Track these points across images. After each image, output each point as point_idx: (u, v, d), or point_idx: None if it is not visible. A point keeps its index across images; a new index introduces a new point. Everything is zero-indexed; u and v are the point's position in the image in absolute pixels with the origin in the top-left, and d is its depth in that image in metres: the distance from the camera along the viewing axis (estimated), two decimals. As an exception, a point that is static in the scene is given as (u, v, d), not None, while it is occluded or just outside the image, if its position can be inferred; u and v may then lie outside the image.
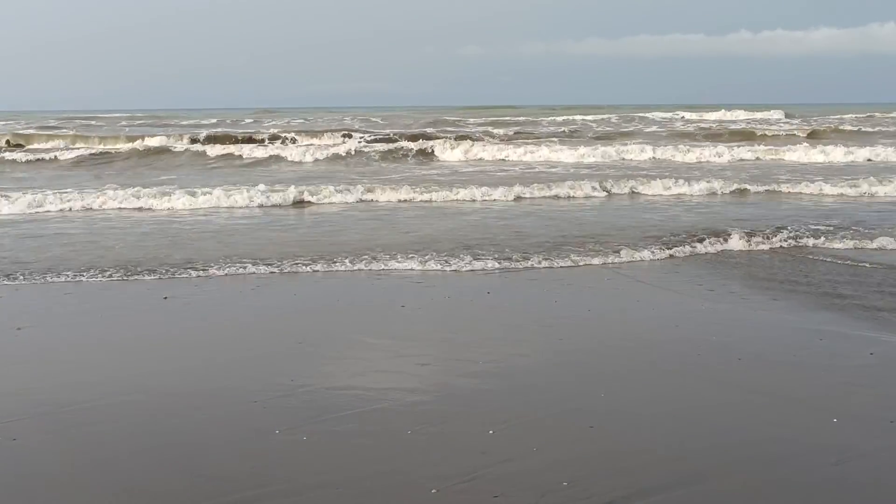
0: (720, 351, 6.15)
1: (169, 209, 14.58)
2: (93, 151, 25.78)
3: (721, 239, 10.59)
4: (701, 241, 10.46)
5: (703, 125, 38.56)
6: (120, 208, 14.69)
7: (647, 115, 50.27)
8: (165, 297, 7.91)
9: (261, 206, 14.95)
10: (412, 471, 4.21)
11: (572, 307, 7.62)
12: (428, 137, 29.33)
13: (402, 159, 25.03)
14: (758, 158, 24.64)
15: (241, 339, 6.62)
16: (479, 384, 5.44)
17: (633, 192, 16.71)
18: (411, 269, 9.12)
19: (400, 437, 4.58)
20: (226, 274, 8.95)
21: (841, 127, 36.20)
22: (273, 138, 29.97)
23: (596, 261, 9.53)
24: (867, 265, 9.24)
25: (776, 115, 48.99)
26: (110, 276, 8.83)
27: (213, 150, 25.50)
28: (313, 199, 15.48)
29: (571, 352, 6.21)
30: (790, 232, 11.09)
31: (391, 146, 26.63)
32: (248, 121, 43.62)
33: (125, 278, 8.78)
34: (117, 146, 27.57)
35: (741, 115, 49.52)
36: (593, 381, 5.53)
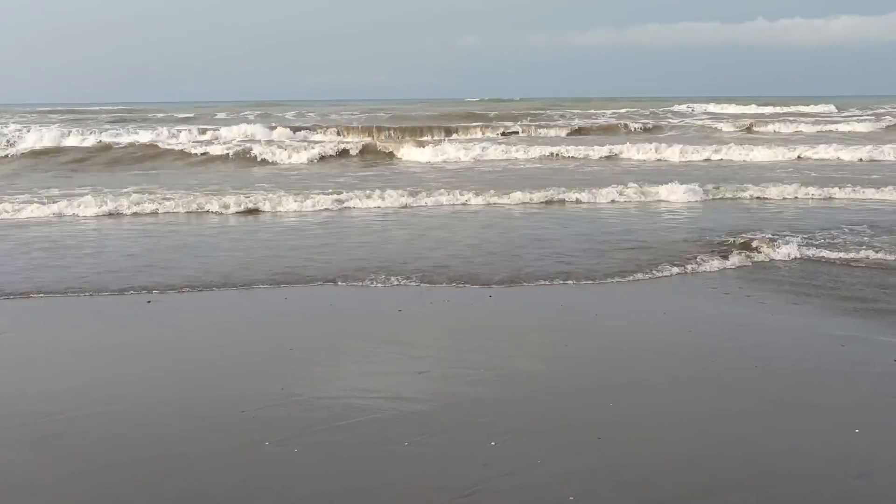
0: (735, 357, 6.17)
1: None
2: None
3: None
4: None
5: (782, 121, 37.56)
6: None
7: (676, 108, 50.02)
8: (149, 302, 7.93)
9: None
10: (410, 484, 4.22)
11: (578, 311, 7.63)
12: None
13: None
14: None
15: (228, 346, 6.64)
16: (480, 393, 5.46)
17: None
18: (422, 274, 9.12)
19: (397, 448, 4.60)
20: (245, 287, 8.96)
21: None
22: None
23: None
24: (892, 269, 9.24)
25: (824, 108, 48.62)
26: (92, 280, 8.85)
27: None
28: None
29: (578, 359, 6.22)
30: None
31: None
32: (248, 114, 43.50)
33: (114, 293, 8.79)
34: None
35: (794, 109, 49.12)
36: (601, 389, 5.54)
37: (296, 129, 31.44)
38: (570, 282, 8.61)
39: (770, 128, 35.22)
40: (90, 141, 27.02)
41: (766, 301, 7.88)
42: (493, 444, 4.64)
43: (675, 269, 9.19)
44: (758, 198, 15.87)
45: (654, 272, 9.07)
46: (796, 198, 15.85)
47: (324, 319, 7.40)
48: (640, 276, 8.92)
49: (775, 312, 7.49)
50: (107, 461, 4.49)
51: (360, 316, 7.46)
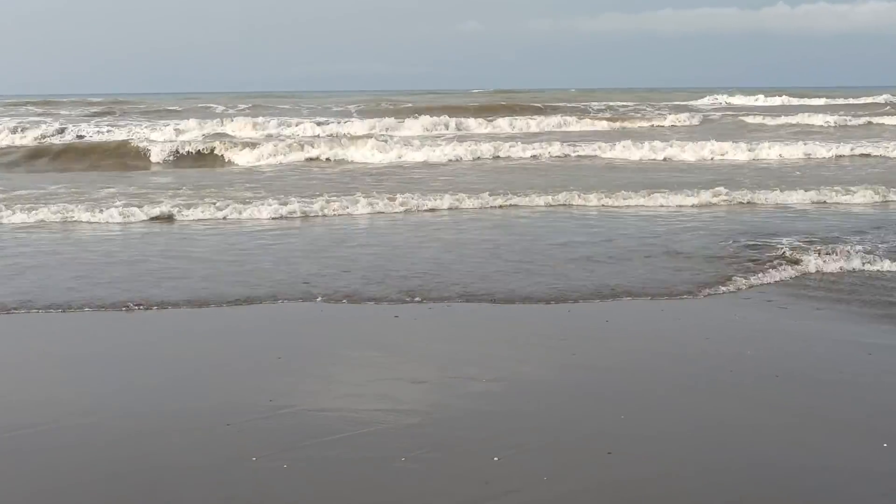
0: (755, 367, 6.16)
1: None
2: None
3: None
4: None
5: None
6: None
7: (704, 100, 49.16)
8: (125, 308, 7.91)
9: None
10: (407, 502, 4.21)
11: (587, 317, 7.63)
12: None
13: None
14: None
15: (213, 354, 6.63)
16: (482, 405, 5.45)
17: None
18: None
19: (393, 464, 4.59)
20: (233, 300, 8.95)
21: None
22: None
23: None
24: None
25: (869, 99, 48.14)
26: (64, 282, 8.84)
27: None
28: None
29: (586, 368, 6.22)
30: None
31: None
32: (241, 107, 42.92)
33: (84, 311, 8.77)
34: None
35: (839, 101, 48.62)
36: (611, 401, 5.54)
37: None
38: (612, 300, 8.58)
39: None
40: (69, 136, 26.92)
41: (787, 306, 7.88)
42: (495, 459, 4.63)
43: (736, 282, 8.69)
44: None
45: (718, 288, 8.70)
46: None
47: (314, 326, 7.38)
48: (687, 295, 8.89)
49: (797, 318, 7.48)
50: (82, 477, 4.48)
51: (353, 322, 7.45)
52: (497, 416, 5.26)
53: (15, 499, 4.29)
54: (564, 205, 14.55)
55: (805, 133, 29.17)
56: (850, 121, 34.11)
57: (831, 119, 34.13)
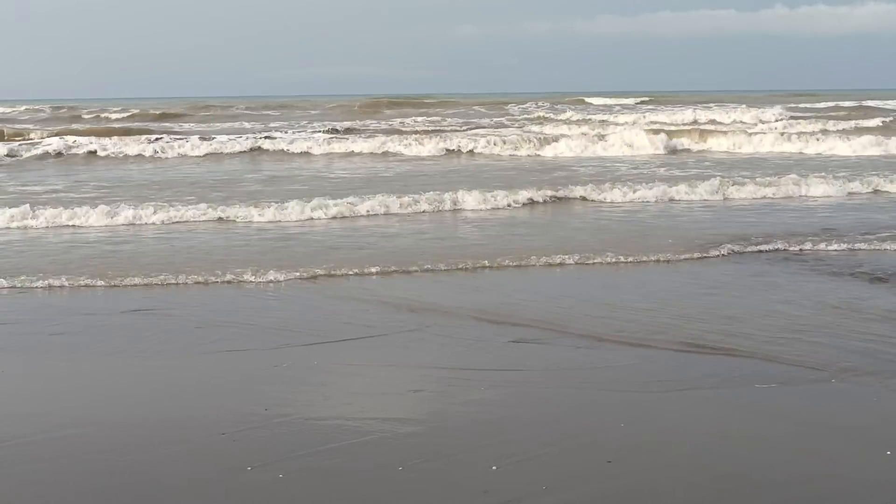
0: (757, 374, 6.19)
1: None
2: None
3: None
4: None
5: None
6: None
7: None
8: (121, 312, 7.92)
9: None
10: (404, 513, 4.24)
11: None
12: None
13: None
14: None
15: (207, 361, 6.64)
16: (480, 413, 5.47)
17: None
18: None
19: (390, 473, 4.61)
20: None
21: None
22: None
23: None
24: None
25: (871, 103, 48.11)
26: (54, 284, 8.85)
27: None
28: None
29: (587, 376, 6.23)
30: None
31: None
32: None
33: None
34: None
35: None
36: (611, 408, 5.56)
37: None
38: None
39: None
40: None
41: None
42: (494, 468, 4.65)
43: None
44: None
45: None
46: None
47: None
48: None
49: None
50: (72, 490, 4.49)
51: (350, 328, 7.46)
52: (495, 424, 5.27)
53: (6, 511, 4.31)
54: None
55: None
56: None
57: None
